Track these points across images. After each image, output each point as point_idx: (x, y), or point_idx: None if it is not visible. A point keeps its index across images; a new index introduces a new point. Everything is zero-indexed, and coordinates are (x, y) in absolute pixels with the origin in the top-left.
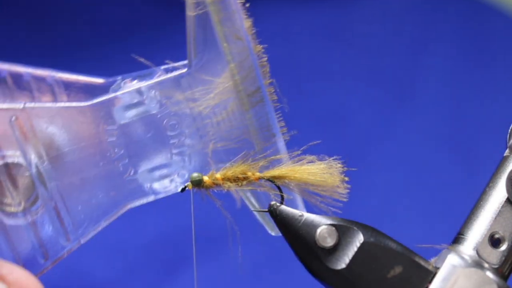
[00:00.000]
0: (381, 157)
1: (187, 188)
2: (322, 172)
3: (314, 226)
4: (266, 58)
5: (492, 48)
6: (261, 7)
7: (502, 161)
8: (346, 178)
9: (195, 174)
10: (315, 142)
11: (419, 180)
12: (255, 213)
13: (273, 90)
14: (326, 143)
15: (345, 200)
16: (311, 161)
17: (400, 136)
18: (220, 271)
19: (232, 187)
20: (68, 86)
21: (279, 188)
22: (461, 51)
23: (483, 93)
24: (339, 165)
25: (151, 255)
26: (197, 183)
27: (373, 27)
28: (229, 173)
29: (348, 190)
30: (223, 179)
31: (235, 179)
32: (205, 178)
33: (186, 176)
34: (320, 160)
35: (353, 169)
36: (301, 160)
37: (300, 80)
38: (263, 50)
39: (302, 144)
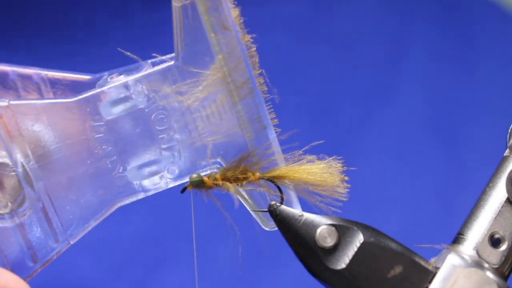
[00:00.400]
0: (368, 150)
1: (187, 189)
2: (321, 171)
3: (314, 226)
4: (255, 48)
5: (473, 35)
6: None
7: (502, 161)
8: (346, 178)
9: (194, 175)
10: (316, 143)
11: (409, 172)
12: (250, 210)
13: (263, 81)
14: (311, 136)
15: (345, 199)
16: (311, 161)
17: (386, 127)
18: (209, 268)
19: (232, 187)
20: (54, 84)
21: (279, 188)
22: (443, 39)
23: (466, 80)
24: (339, 164)
25: (137, 253)
26: (197, 184)
27: (357, 17)
28: (229, 173)
29: (348, 190)
30: (223, 179)
31: (235, 180)
32: (205, 178)
33: (177, 171)
34: (320, 159)
35: (353, 168)
36: (300, 160)
37: (283, 73)
38: (251, 40)
39: (292, 139)
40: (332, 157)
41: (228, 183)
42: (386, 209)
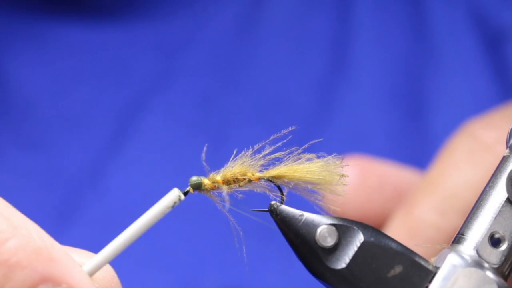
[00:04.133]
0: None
1: (189, 192)
2: (321, 170)
3: (314, 226)
4: None
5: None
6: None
7: (502, 161)
8: (346, 175)
9: (194, 178)
10: (316, 141)
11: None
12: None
13: None
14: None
15: (345, 198)
16: (310, 159)
17: (344, 111)
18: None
19: (232, 188)
20: None
21: (279, 188)
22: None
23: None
24: (338, 162)
25: None
26: (197, 186)
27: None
28: (229, 174)
29: (347, 188)
30: (223, 181)
31: (235, 180)
32: (205, 180)
33: None
34: (319, 157)
35: (348, 164)
36: (300, 159)
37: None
38: None
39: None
40: (332, 155)
41: (228, 184)
42: None
